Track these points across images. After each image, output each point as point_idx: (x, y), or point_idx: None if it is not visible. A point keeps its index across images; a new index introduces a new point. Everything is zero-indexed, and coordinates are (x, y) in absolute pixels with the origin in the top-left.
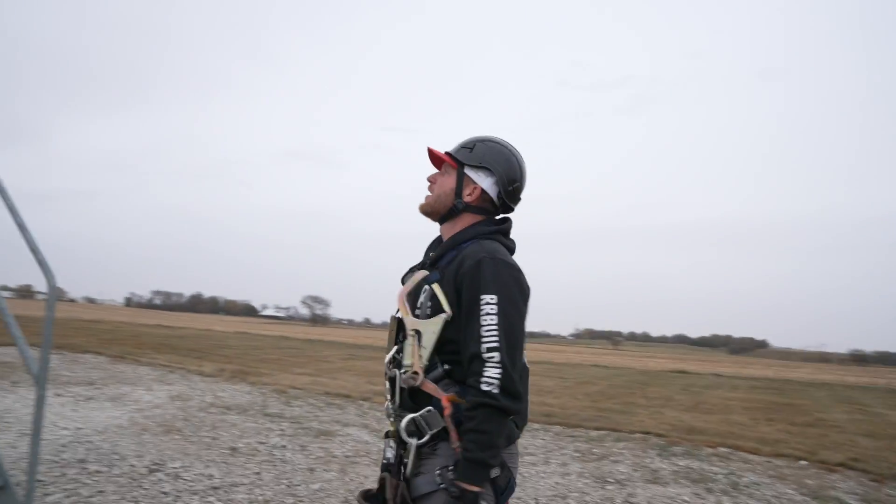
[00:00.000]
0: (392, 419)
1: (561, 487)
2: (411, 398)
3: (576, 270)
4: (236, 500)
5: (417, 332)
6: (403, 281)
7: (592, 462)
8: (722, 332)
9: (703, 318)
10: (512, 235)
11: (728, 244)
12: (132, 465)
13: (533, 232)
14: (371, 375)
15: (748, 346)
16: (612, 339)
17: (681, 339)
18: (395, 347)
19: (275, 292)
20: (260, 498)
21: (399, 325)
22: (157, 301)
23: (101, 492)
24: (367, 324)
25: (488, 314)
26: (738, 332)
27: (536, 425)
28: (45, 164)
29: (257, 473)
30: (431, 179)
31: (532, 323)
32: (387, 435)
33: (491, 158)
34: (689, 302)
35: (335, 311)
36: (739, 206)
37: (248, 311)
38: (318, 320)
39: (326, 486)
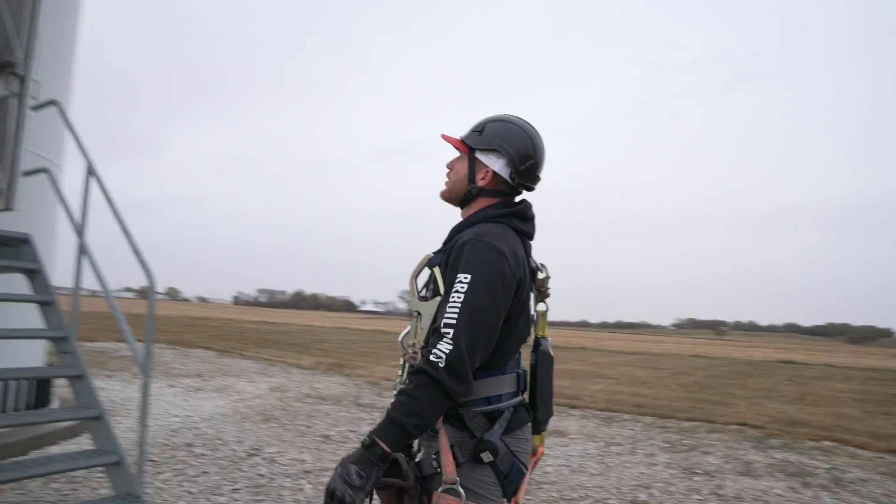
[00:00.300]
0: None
1: (645, 477)
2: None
3: (675, 258)
4: (325, 484)
5: (419, 313)
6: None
7: (681, 453)
8: (839, 320)
9: (818, 306)
10: (589, 222)
11: (846, 226)
12: (233, 450)
13: (628, 219)
14: None
15: (870, 335)
16: (715, 328)
17: (792, 329)
18: (408, 327)
19: (373, 288)
20: None
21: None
22: (262, 299)
23: (205, 472)
24: None
25: (457, 292)
26: (857, 320)
27: (626, 416)
28: (157, 174)
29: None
30: (449, 166)
31: (629, 313)
32: None
33: (500, 139)
34: (802, 288)
35: None
36: (857, 185)
37: (348, 306)
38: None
39: None
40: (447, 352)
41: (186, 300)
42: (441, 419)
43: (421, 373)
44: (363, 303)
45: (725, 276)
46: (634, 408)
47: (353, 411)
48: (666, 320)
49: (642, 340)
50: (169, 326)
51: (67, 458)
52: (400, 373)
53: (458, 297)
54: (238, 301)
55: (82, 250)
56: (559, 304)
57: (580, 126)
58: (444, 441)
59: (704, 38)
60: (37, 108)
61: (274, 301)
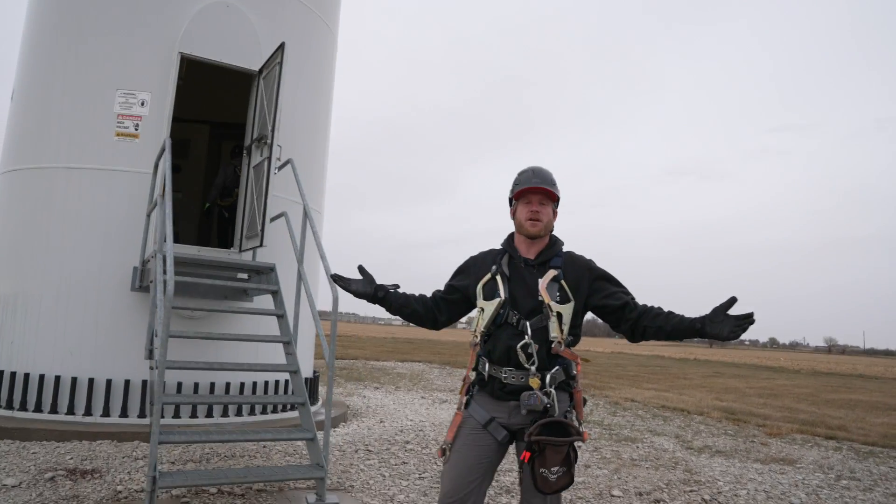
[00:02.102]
0: (530, 377)
1: None
2: (548, 360)
3: None
4: (501, 482)
5: (559, 314)
6: (479, 274)
7: None
8: None
9: None
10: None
11: None
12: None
13: None
14: (723, 392)
15: None
16: None
17: None
18: (528, 323)
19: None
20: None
21: (533, 306)
22: None
23: (404, 463)
24: (772, 344)
25: (620, 282)
26: None
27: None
28: (454, 213)
29: None
30: (540, 210)
31: None
32: (507, 389)
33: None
34: None
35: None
36: None
37: None
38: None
39: (589, 481)
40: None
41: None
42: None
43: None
44: None
45: None
46: None
47: None
48: None
49: None
50: (448, 350)
51: (277, 432)
52: (524, 360)
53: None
54: None
55: (300, 276)
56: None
57: None
58: (578, 399)
59: None
60: (280, 167)
61: None
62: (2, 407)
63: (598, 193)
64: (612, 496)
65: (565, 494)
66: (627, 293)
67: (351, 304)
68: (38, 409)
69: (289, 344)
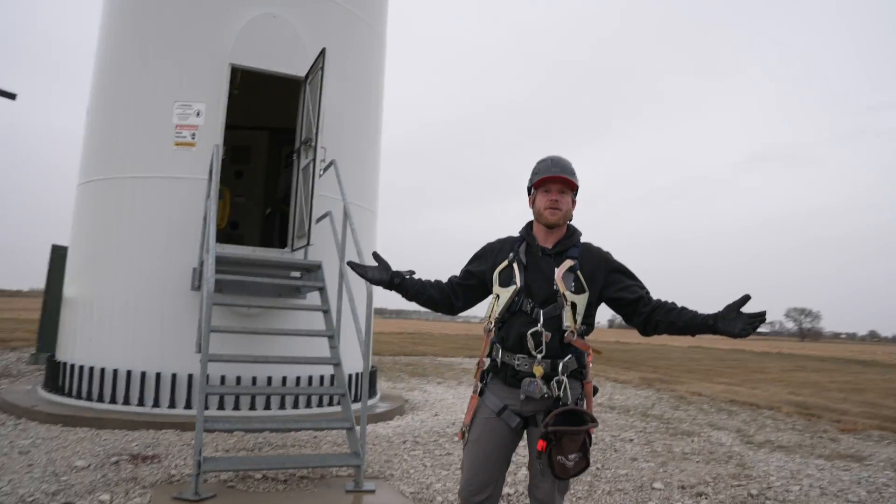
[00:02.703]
0: (535, 365)
1: None
2: (560, 349)
3: None
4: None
5: (573, 304)
6: (496, 261)
7: None
8: None
9: None
10: None
11: None
12: None
13: None
14: (800, 386)
15: None
16: None
17: None
18: (541, 311)
19: (758, 306)
20: None
21: (547, 295)
22: None
23: (448, 454)
24: (872, 337)
25: (634, 275)
26: None
27: None
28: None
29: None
30: (559, 198)
31: None
32: (519, 376)
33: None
34: None
35: (827, 324)
36: None
37: None
38: (807, 334)
39: (632, 474)
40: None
41: None
42: (583, 373)
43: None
44: None
45: None
46: None
47: (631, 420)
48: None
49: None
50: None
51: (316, 421)
52: (533, 347)
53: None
54: (612, 324)
55: (341, 273)
56: None
57: None
58: (588, 389)
59: None
60: (325, 168)
61: None
62: (83, 398)
63: (679, 185)
64: (653, 489)
65: (604, 486)
66: (643, 287)
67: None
68: (112, 400)
69: (332, 338)
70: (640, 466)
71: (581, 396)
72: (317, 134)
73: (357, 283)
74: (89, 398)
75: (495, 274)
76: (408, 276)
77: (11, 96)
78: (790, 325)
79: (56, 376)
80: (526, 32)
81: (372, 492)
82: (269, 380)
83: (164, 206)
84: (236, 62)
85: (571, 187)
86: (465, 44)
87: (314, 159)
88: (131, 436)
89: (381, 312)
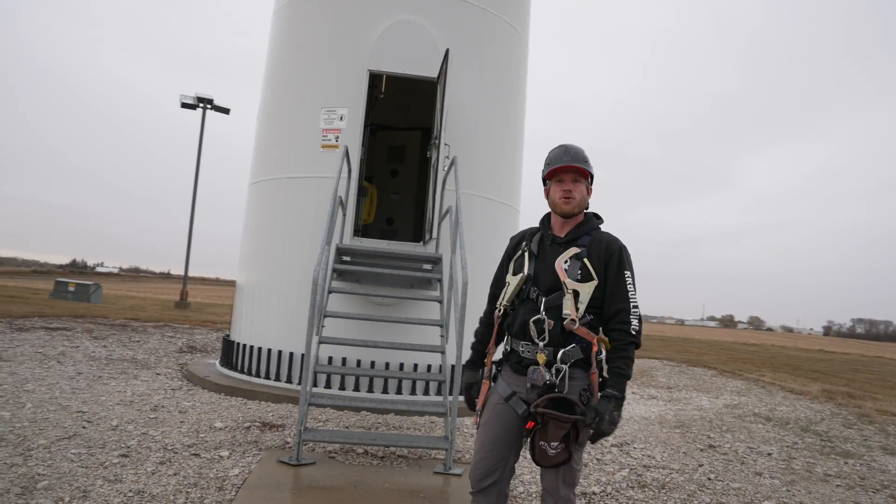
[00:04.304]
0: (538, 352)
1: None
2: (563, 338)
3: None
4: (647, 476)
5: (575, 292)
6: (512, 250)
7: None
8: None
9: None
10: None
11: None
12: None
13: None
14: None
15: None
16: None
17: None
18: (543, 300)
19: None
20: (669, 479)
21: (552, 283)
22: (860, 329)
23: None
24: None
25: (630, 284)
26: None
27: None
28: (733, 204)
29: (694, 462)
30: (573, 188)
31: None
32: (524, 363)
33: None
34: None
35: None
36: None
37: None
38: None
39: (746, 489)
40: (637, 326)
41: (770, 329)
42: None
43: (631, 344)
44: None
45: None
46: None
47: (781, 433)
48: None
49: None
50: (695, 347)
51: (411, 405)
52: (535, 336)
53: (632, 288)
54: (829, 331)
55: (451, 265)
56: None
57: None
58: (594, 382)
59: None
60: (449, 167)
61: (872, 333)
62: (244, 373)
63: None
64: None
65: (706, 497)
66: (628, 301)
67: None
68: (267, 376)
69: (441, 327)
70: (759, 483)
71: (587, 388)
72: (440, 131)
73: (484, 276)
74: (248, 373)
75: (511, 263)
76: (477, 360)
77: (225, 111)
78: None
79: (228, 353)
80: (725, 18)
81: (458, 475)
82: (387, 365)
83: (311, 203)
84: (374, 68)
85: (585, 175)
86: (673, 32)
87: (437, 156)
88: (272, 407)
89: None
